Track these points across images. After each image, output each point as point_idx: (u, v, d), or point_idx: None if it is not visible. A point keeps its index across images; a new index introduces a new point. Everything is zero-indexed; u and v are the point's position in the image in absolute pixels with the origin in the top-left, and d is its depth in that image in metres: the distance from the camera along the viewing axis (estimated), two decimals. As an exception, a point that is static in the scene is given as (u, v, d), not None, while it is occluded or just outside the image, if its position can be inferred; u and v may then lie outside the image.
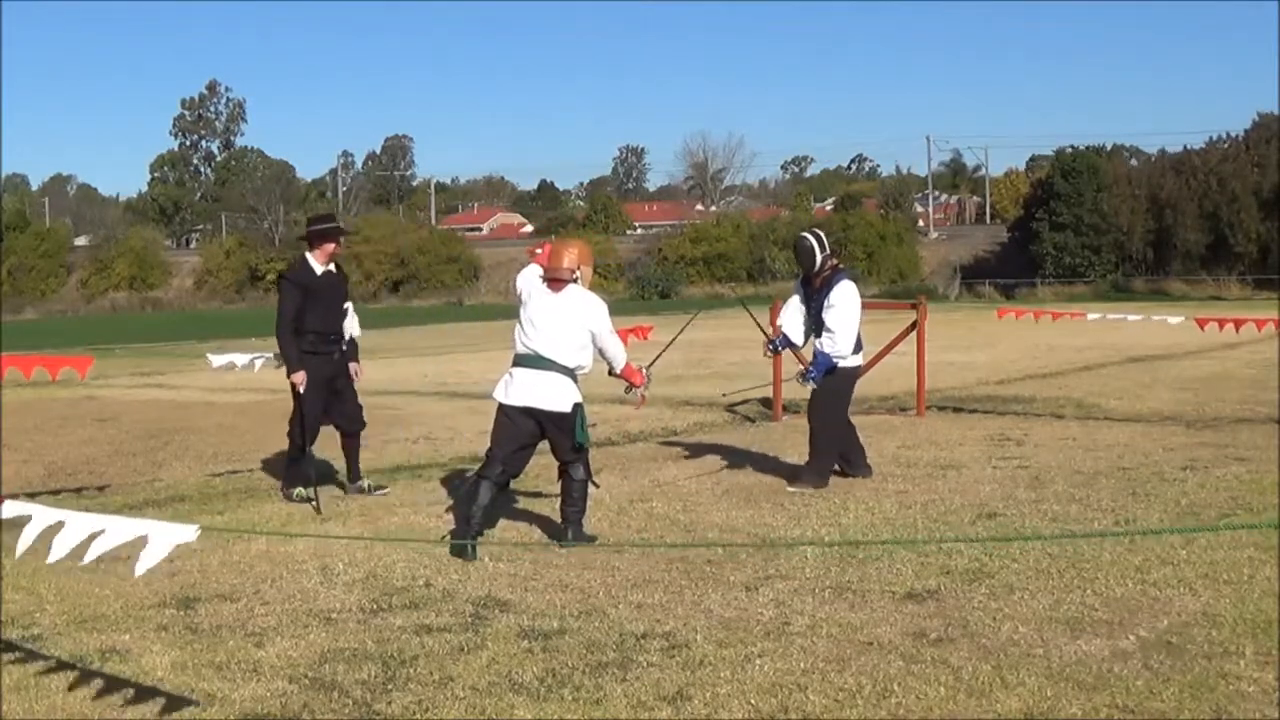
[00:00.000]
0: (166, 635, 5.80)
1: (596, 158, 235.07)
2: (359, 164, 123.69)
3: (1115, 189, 59.88)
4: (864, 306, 9.64)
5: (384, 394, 16.10)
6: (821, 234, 9.62)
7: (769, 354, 10.07)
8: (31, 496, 8.43)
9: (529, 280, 7.62)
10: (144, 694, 4.97)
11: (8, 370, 9.27)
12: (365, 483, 9.40)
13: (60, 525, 4.45)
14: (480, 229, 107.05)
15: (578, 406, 7.39)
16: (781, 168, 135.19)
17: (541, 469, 10.38)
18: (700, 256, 70.92)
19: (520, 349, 7.44)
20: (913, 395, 13.73)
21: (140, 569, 4.24)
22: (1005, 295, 57.75)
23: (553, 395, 7.33)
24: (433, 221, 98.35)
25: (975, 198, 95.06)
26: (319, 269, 9.17)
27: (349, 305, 9.44)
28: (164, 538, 4.24)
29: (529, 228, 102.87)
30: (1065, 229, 60.00)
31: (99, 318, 66.66)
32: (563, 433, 7.41)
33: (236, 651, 5.52)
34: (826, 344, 9.19)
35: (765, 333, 10.04)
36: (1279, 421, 11.76)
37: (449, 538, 7.50)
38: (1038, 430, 11.87)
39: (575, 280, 7.47)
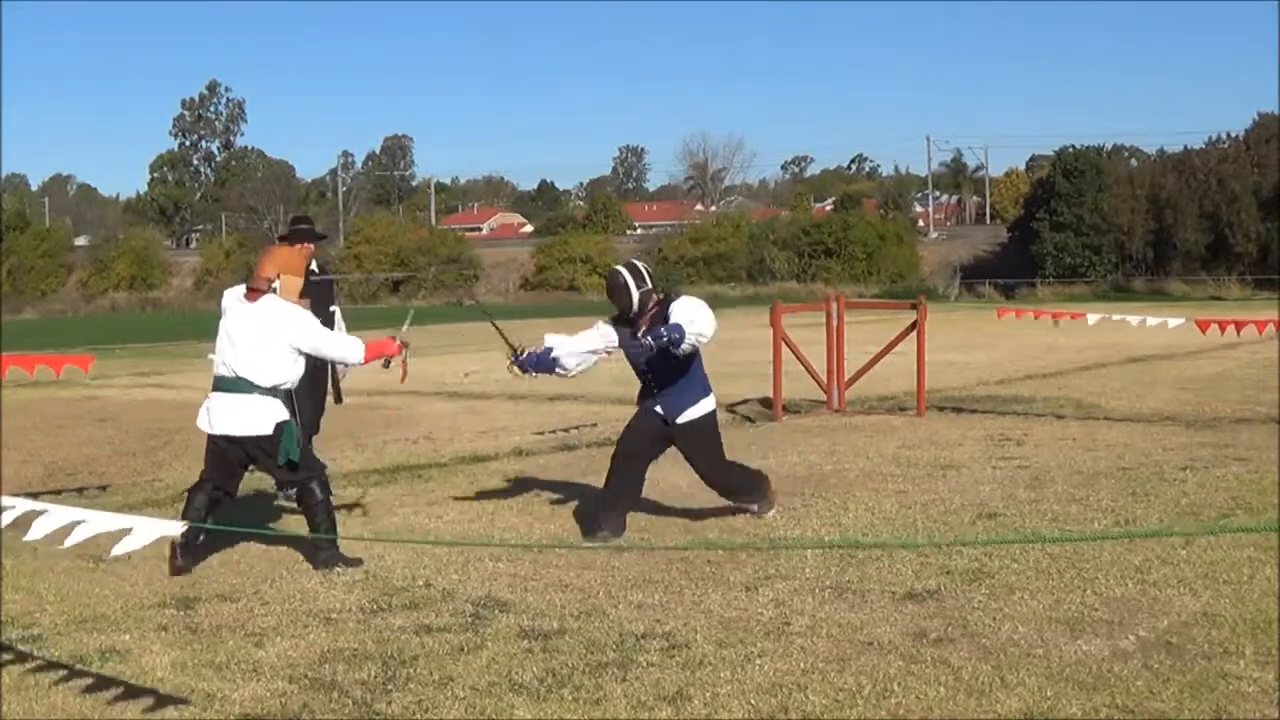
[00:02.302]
0: (166, 635, 5.80)
1: (596, 158, 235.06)
2: (359, 164, 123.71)
3: (1115, 189, 59.88)
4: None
5: (384, 394, 16.11)
6: (640, 265, 7.83)
7: (515, 372, 7.95)
8: (33, 496, 8.43)
9: (231, 293, 7.17)
10: (143, 694, 4.97)
11: (9, 369, 9.27)
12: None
13: (69, 524, 4.44)
14: (480, 229, 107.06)
15: (282, 425, 6.95)
16: (781, 168, 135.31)
17: (542, 468, 10.39)
18: (700, 256, 70.91)
19: (218, 369, 7.01)
20: (913, 395, 13.72)
21: (118, 551, 4.34)
22: (1005, 295, 57.74)
23: (251, 420, 6.90)
24: (433, 221, 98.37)
25: (975, 198, 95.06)
26: None
27: (335, 308, 9.46)
28: (150, 531, 4.29)
29: (529, 228, 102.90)
30: (1065, 229, 60.00)
31: (99, 318, 66.64)
32: (270, 456, 6.99)
33: (236, 651, 5.52)
34: (683, 319, 7.33)
35: (510, 344, 7.99)
36: (1279, 421, 11.76)
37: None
38: (1038, 430, 11.87)
39: (273, 290, 6.99)
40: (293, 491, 9.01)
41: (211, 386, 7.06)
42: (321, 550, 7.06)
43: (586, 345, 7.82)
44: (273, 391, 6.96)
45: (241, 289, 7.09)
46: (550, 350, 7.77)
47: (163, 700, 4.90)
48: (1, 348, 19.15)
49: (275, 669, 5.27)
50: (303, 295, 7.24)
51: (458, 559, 7.08)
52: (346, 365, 7.44)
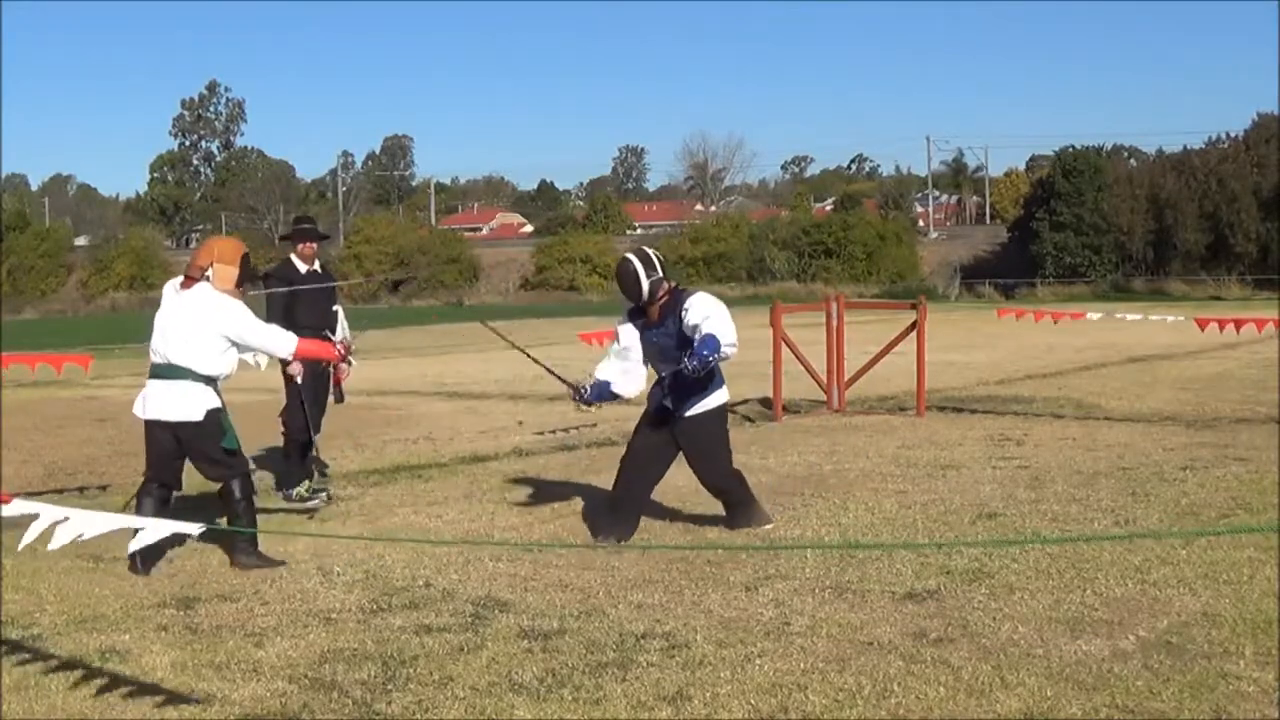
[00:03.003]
0: (166, 635, 5.79)
1: (596, 158, 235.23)
2: (359, 164, 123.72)
3: (1115, 189, 59.89)
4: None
5: (384, 394, 16.12)
6: (651, 252, 7.80)
7: (580, 407, 7.93)
8: (36, 496, 8.43)
9: (170, 284, 7.26)
10: (144, 694, 4.97)
11: (10, 367, 9.28)
12: (300, 490, 9.19)
13: (65, 520, 4.43)
14: (480, 229, 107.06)
15: (214, 413, 7.01)
16: (781, 168, 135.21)
17: (544, 468, 10.39)
18: (700, 256, 70.90)
19: (152, 358, 7.08)
20: (913, 395, 13.73)
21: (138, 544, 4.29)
22: (1005, 295, 57.75)
23: (180, 405, 6.96)
24: (433, 221, 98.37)
25: (975, 197, 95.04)
26: (303, 268, 9.40)
27: (338, 308, 9.55)
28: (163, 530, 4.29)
29: (529, 228, 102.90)
30: (1065, 229, 60.02)
31: (99, 318, 66.64)
32: (197, 444, 7.03)
33: (236, 651, 5.52)
34: (713, 330, 7.24)
35: (560, 378, 8.06)
36: (1279, 421, 11.76)
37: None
38: (1038, 430, 11.87)
39: (206, 279, 7.05)
40: (292, 492, 9.05)
41: (148, 374, 7.14)
42: (240, 548, 7.09)
43: (632, 366, 7.71)
44: (204, 379, 7.00)
45: (180, 279, 7.18)
46: (607, 383, 7.73)
47: (163, 700, 4.90)
48: (1, 347, 19.15)
49: (275, 669, 5.27)
50: (239, 285, 7.19)
51: (458, 559, 7.08)
52: (281, 358, 7.44)
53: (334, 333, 9.30)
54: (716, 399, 7.66)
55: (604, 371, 7.76)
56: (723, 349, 7.18)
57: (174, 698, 4.93)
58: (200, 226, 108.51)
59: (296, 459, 9.26)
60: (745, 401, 14.50)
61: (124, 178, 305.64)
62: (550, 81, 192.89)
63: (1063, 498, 8.44)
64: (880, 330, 17.39)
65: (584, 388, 7.77)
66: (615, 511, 7.77)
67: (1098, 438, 11.26)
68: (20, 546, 4.55)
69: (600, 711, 4.71)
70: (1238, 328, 13.37)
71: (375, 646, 5.54)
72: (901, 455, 10.55)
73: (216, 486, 7.27)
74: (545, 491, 9.24)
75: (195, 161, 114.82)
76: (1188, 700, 4.63)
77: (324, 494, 9.04)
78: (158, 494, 7.18)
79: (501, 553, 7.17)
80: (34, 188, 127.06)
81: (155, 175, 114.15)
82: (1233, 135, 61.02)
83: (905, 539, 7.45)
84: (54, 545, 4.43)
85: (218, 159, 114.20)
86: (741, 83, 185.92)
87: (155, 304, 7.31)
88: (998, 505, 8.26)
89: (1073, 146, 63.77)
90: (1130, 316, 14.16)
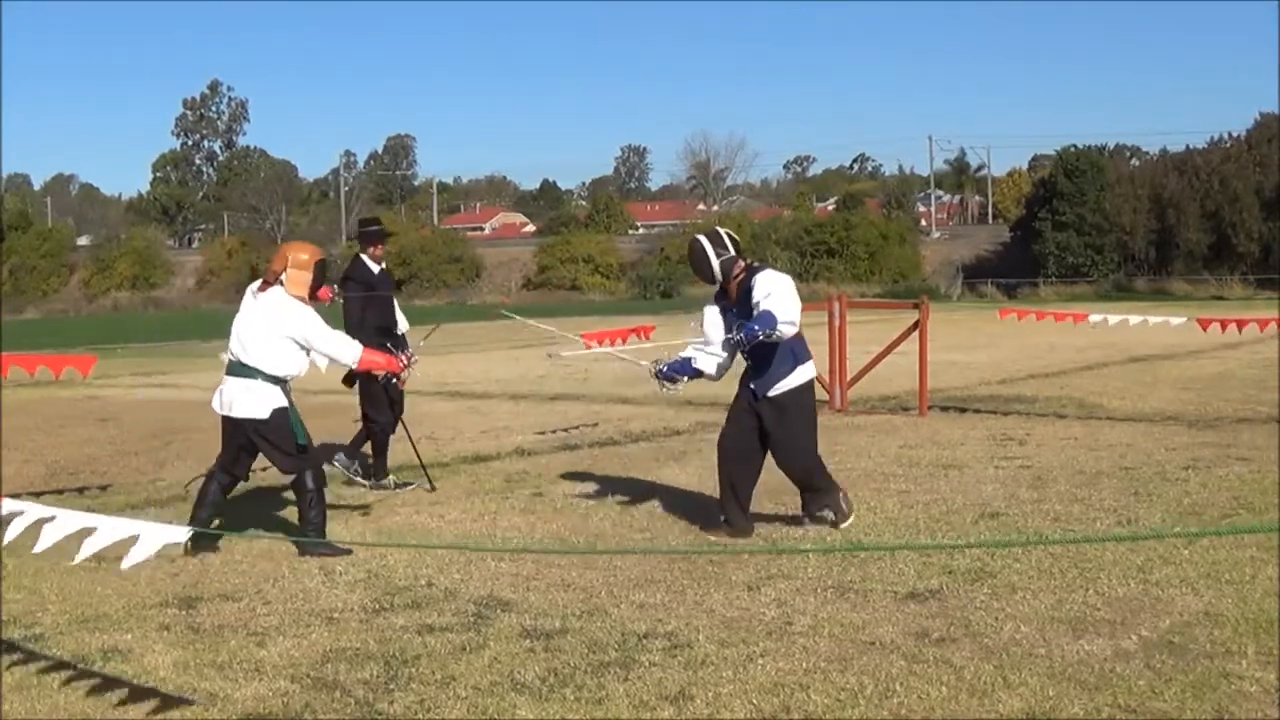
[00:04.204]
0: (168, 635, 5.80)
1: (598, 157, 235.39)
2: (361, 163, 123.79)
3: (1117, 188, 59.83)
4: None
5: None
6: (723, 232, 7.70)
7: (664, 386, 7.84)
8: (36, 496, 8.44)
9: (251, 287, 7.61)
10: (146, 693, 4.97)
11: (10, 369, 9.28)
12: (391, 479, 9.72)
13: (53, 520, 4.44)
14: (483, 228, 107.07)
15: (280, 411, 7.31)
16: (784, 167, 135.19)
17: (545, 468, 10.38)
18: (702, 256, 70.80)
19: (229, 356, 7.45)
20: (915, 395, 13.72)
21: (127, 564, 4.39)
22: (1007, 295, 57.71)
23: (249, 403, 7.29)
24: (435, 221, 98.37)
25: (978, 197, 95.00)
26: (375, 268, 9.81)
27: (395, 301, 10.01)
28: (154, 537, 4.31)
29: (531, 227, 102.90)
30: (1067, 228, 59.96)
31: (101, 317, 66.68)
32: (266, 440, 7.36)
33: (238, 651, 5.52)
34: (771, 307, 7.22)
35: (632, 361, 7.90)
36: (1281, 421, 11.75)
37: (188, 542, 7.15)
38: (1040, 430, 11.86)
39: (280, 283, 7.39)
40: (385, 480, 9.55)
41: (225, 371, 7.50)
42: (309, 539, 7.33)
43: (715, 346, 7.64)
44: (273, 380, 7.31)
45: (259, 283, 7.54)
46: (688, 359, 7.69)
47: (165, 700, 4.90)
48: (2, 347, 19.17)
49: (277, 668, 5.27)
50: (312, 292, 7.51)
51: (460, 558, 7.08)
52: (346, 364, 7.69)
53: (398, 328, 9.79)
54: (799, 377, 7.53)
55: (690, 349, 7.74)
56: (779, 326, 7.14)
57: (176, 697, 4.93)
58: (202, 226, 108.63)
59: (380, 455, 9.71)
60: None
61: (126, 177, 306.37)
62: (552, 81, 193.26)
63: (1065, 497, 8.44)
64: (882, 330, 17.40)
65: (665, 370, 7.74)
66: (733, 508, 7.63)
67: (1100, 437, 11.25)
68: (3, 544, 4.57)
69: (602, 711, 4.71)
70: (1240, 328, 13.35)
71: (377, 646, 5.54)
72: (903, 455, 10.55)
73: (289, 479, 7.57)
74: (547, 491, 9.24)
75: (198, 161, 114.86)
76: (1190, 700, 4.63)
77: (415, 484, 9.50)
78: (223, 480, 7.58)
79: (503, 552, 7.17)
80: (36, 187, 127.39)
81: (157, 175, 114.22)
82: (1235, 135, 61.02)
83: (907, 539, 7.45)
84: (39, 548, 4.47)
85: (220, 158, 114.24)
86: (743, 82, 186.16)
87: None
88: (1000, 505, 8.25)
89: (1075, 146, 63.73)
90: (1132, 319, 14.11)
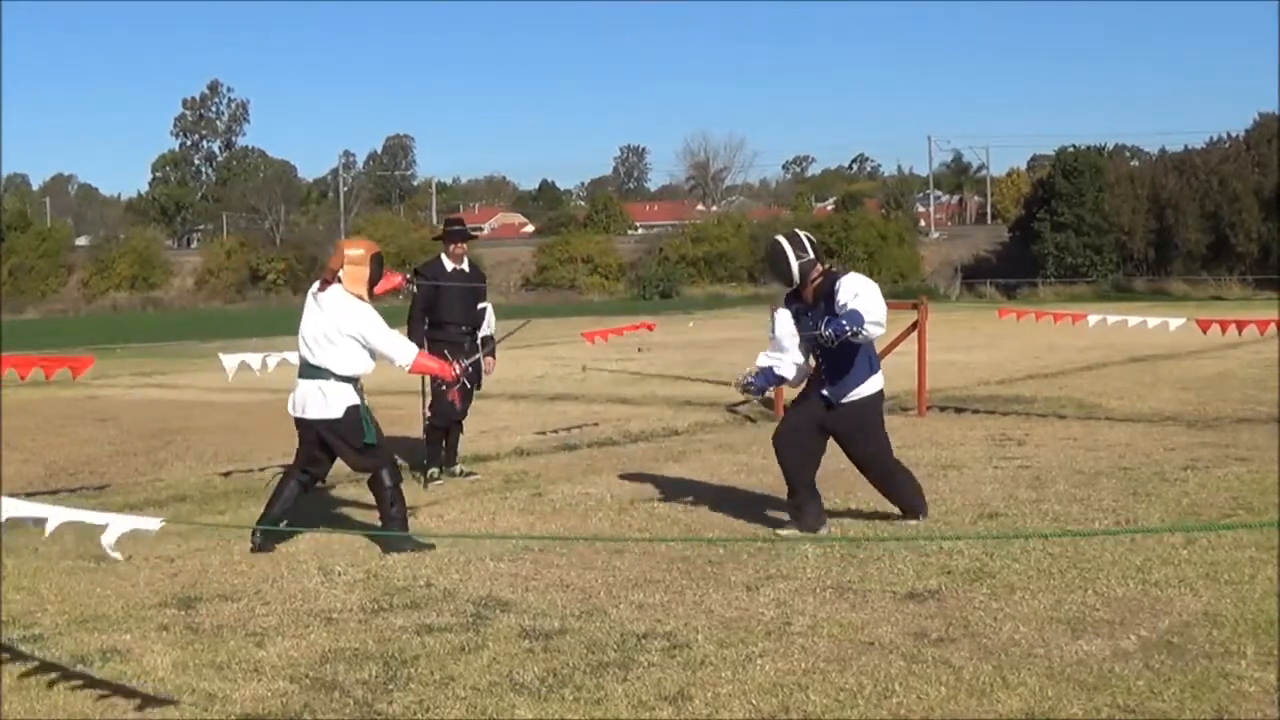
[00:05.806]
0: (167, 635, 5.80)
1: (597, 157, 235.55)
2: (360, 164, 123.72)
3: (1116, 189, 59.83)
4: None
5: (385, 394, 16.07)
6: (802, 234, 7.72)
7: (752, 395, 8.21)
8: (31, 496, 8.43)
9: (313, 288, 7.63)
10: (144, 694, 4.97)
11: (7, 370, 9.28)
12: (460, 468, 10.19)
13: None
14: (481, 229, 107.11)
15: (352, 410, 7.35)
16: (783, 167, 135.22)
17: (545, 468, 10.39)
18: (701, 256, 70.92)
19: (299, 359, 7.54)
20: (914, 395, 13.72)
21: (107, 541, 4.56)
22: (1006, 295, 57.70)
23: (320, 403, 7.34)
24: (434, 221, 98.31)
25: (976, 197, 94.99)
26: (450, 266, 10.06)
27: (487, 305, 10.22)
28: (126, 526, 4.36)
29: (530, 227, 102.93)
30: (1066, 229, 59.95)
31: (100, 317, 66.65)
32: (339, 439, 7.39)
33: (237, 651, 5.52)
34: (859, 307, 7.19)
35: (730, 384, 8.14)
36: (1280, 421, 11.76)
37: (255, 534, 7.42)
38: (1039, 430, 11.86)
39: (338, 281, 7.43)
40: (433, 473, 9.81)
41: (297, 374, 7.56)
42: (391, 534, 7.36)
43: (789, 350, 7.65)
44: (343, 379, 7.34)
45: (319, 283, 7.57)
46: (770, 368, 7.73)
47: (164, 700, 4.90)
48: (1, 347, 19.17)
49: (276, 669, 5.27)
50: (371, 287, 7.53)
51: (459, 558, 7.08)
52: (400, 366, 7.67)
53: (479, 329, 10.07)
54: (872, 385, 7.58)
55: (765, 359, 7.77)
56: (866, 326, 7.12)
57: (175, 698, 4.93)
58: (201, 226, 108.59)
59: (433, 447, 10.04)
60: (746, 401, 14.50)
61: (125, 177, 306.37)
62: (551, 81, 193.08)
63: (1064, 498, 8.44)
64: (881, 330, 17.37)
65: (751, 382, 7.78)
66: (802, 501, 7.64)
67: (1099, 438, 11.25)
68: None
69: (601, 711, 4.71)
70: (1239, 329, 13.35)
71: (376, 646, 5.54)
72: (902, 455, 10.45)
73: (365, 477, 7.63)
74: (546, 491, 9.24)
75: (197, 161, 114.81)
76: (1189, 700, 4.63)
77: (454, 476, 9.96)
78: (301, 478, 7.63)
79: (503, 552, 7.18)
80: (35, 187, 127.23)
81: (156, 175, 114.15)
82: (1234, 135, 61.05)
83: (905, 538, 7.44)
84: (40, 548, 4.54)
85: (219, 159, 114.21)
86: (742, 82, 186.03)
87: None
88: (999, 505, 8.25)
89: (1074, 146, 63.73)
90: (1131, 320, 14.12)
